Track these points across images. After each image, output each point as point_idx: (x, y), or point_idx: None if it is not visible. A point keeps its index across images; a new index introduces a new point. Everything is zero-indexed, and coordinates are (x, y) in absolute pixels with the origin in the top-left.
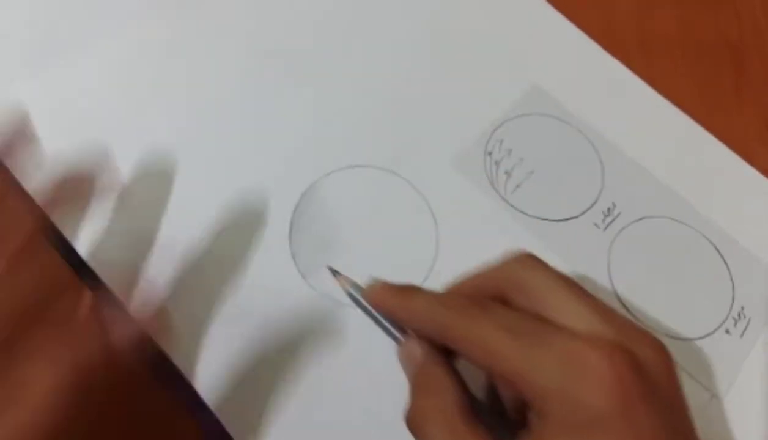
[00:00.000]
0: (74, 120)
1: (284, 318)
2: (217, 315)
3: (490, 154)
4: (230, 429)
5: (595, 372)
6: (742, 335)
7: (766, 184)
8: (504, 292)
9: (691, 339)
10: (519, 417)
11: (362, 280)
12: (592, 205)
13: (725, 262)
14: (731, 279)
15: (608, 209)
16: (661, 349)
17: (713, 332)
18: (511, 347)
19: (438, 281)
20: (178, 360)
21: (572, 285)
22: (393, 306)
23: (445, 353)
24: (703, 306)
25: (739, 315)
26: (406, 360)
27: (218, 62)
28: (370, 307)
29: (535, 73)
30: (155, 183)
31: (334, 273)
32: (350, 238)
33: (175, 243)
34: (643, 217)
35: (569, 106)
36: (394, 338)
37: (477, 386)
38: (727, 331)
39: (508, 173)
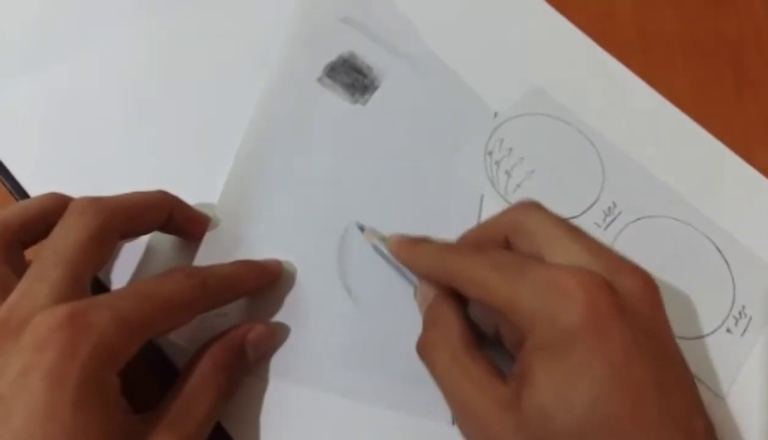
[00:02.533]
0: (74, 118)
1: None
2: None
3: (490, 153)
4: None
5: (569, 295)
6: (743, 334)
7: (766, 183)
8: (508, 236)
9: (692, 338)
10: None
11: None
12: (593, 204)
13: (726, 261)
14: (732, 278)
15: (609, 208)
16: (646, 281)
17: (714, 331)
18: (499, 281)
19: None
20: (178, 361)
21: (566, 226)
22: (406, 254)
23: (456, 297)
24: (704, 305)
25: (740, 314)
26: (420, 300)
27: (232, 57)
28: (391, 257)
29: (535, 73)
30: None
31: (361, 228)
32: (355, 234)
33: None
34: (644, 217)
35: (569, 105)
36: (412, 282)
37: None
38: (728, 330)
39: (508, 173)
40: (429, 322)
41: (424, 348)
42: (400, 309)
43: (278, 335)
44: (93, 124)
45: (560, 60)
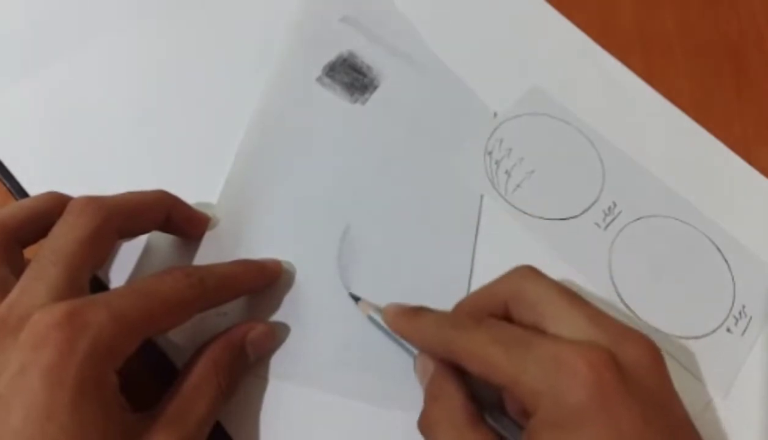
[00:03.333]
0: (74, 118)
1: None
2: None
3: (490, 153)
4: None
5: (574, 372)
6: (743, 333)
7: (766, 183)
8: (506, 304)
9: (692, 338)
10: (524, 421)
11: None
12: (593, 204)
13: (726, 261)
14: (732, 278)
15: (609, 208)
16: (650, 348)
17: (714, 330)
18: (502, 357)
19: (440, 279)
20: (178, 361)
21: (567, 295)
22: (404, 327)
23: (456, 368)
24: (704, 304)
25: (740, 313)
26: (420, 373)
27: (234, 57)
28: (388, 329)
29: (535, 73)
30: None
31: (356, 299)
32: (355, 233)
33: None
34: (644, 216)
35: (569, 106)
36: (410, 353)
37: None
38: (728, 330)
39: (508, 173)
40: (430, 397)
41: (426, 425)
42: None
43: (278, 335)
44: (93, 124)
45: (560, 60)
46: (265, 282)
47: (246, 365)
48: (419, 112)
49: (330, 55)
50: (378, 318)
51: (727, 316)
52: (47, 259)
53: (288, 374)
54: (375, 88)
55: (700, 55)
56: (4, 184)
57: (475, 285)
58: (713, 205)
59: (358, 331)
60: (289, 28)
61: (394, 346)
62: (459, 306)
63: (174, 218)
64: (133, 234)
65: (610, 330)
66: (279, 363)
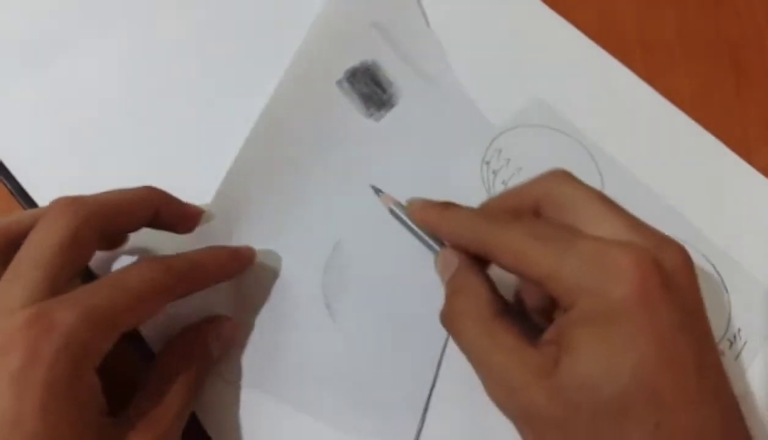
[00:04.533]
0: (74, 118)
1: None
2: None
3: (488, 163)
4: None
5: (620, 269)
6: (736, 358)
7: (766, 183)
8: (539, 206)
9: None
10: (542, 320)
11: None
12: None
13: (723, 282)
14: (729, 301)
15: None
16: (685, 257)
17: None
18: (540, 252)
19: (436, 288)
20: None
21: (605, 200)
22: (433, 219)
23: (479, 262)
24: None
25: (734, 337)
26: (442, 267)
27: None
28: (410, 223)
29: (534, 83)
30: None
31: (377, 191)
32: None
33: None
34: None
35: (568, 111)
36: (433, 249)
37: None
38: (722, 353)
39: (505, 183)
40: (454, 290)
41: (450, 318)
42: (377, 332)
43: (241, 330)
44: (93, 124)
45: (560, 65)
46: (237, 268)
47: (211, 358)
48: (431, 138)
49: (354, 60)
50: (400, 211)
51: (722, 339)
52: (25, 262)
53: (262, 383)
54: (392, 106)
55: (700, 55)
56: (5, 185)
57: None
58: (713, 206)
59: (331, 348)
60: (317, 22)
61: (381, 361)
62: (485, 205)
63: (163, 214)
64: (118, 232)
65: (650, 236)
66: (253, 372)
